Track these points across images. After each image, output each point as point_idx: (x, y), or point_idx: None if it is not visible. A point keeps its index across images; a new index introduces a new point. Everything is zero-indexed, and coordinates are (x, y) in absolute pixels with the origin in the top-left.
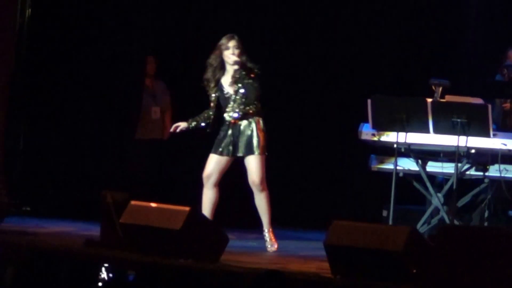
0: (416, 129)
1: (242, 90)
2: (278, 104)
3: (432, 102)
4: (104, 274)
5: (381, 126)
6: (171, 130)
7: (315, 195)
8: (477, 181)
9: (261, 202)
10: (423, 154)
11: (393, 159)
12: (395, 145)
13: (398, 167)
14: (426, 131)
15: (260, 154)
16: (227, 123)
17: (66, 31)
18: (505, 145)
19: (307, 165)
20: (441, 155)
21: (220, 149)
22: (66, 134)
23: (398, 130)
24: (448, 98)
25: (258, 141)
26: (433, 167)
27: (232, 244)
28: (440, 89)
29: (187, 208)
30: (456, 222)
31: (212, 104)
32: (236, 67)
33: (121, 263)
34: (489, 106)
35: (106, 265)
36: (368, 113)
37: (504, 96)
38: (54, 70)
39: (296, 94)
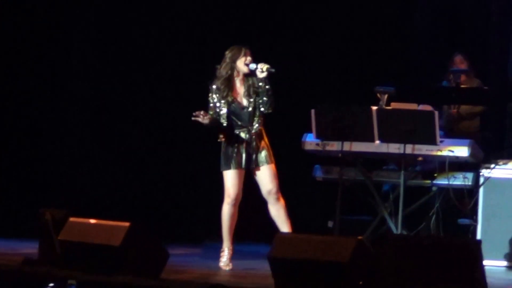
0: (362, 138)
1: (259, 100)
2: None
3: (377, 110)
4: None
5: (325, 135)
6: (196, 115)
7: (258, 207)
8: (426, 189)
9: (279, 211)
10: (369, 163)
11: (338, 169)
12: (340, 155)
13: (344, 177)
14: (372, 139)
15: (272, 163)
16: (238, 136)
17: None
18: (452, 152)
19: (250, 177)
20: (388, 163)
21: (236, 164)
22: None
23: (343, 139)
24: (394, 105)
25: (268, 151)
26: (379, 176)
27: (173, 260)
28: (386, 96)
29: (126, 224)
30: (403, 232)
31: (223, 120)
32: (248, 76)
33: (62, 281)
34: (436, 113)
35: (51, 284)
36: (312, 123)
37: (451, 102)
38: None
39: None
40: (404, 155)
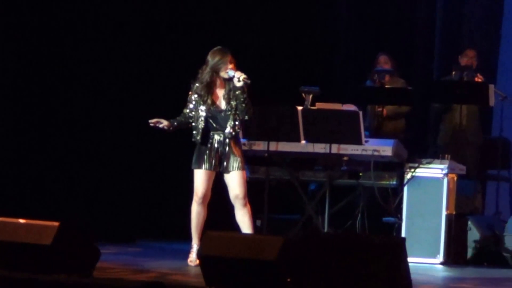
0: (288, 138)
1: (236, 106)
2: (137, 114)
3: (302, 110)
4: None
5: (251, 135)
6: (152, 123)
7: (187, 206)
8: (352, 187)
9: (244, 217)
10: (296, 162)
11: (265, 169)
12: (266, 154)
13: (270, 176)
14: (298, 139)
15: (243, 170)
16: (213, 138)
17: None
18: (377, 151)
19: (176, 176)
20: (314, 163)
21: (208, 164)
22: None
23: (268, 139)
24: (319, 105)
25: (240, 157)
26: (306, 175)
27: (106, 258)
28: (311, 96)
29: (56, 223)
30: (330, 230)
31: (201, 120)
32: (230, 82)
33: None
34: (360, 113)
35: None
36: None
37: (376, 102)
38: None
39: (159, 106)
40: (329, 155)
